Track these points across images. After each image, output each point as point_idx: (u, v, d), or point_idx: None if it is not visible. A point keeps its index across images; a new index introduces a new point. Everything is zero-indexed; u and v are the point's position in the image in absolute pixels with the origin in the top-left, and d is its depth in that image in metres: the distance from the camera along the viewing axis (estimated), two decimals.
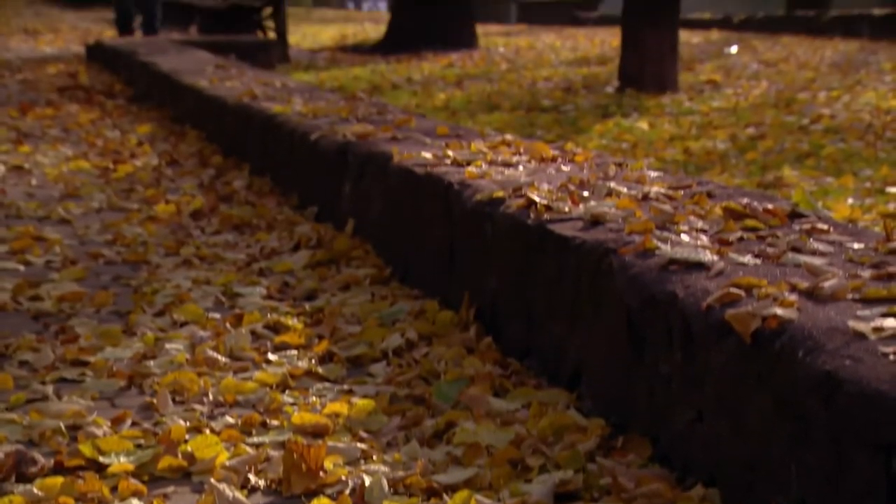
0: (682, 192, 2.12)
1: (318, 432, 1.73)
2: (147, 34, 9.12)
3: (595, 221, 1.90)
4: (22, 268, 2.80)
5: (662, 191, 2.11)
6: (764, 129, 5.29)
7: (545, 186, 2.19)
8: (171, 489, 1.56)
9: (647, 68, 6.81)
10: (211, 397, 1.90)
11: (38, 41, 11.63)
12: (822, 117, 5.57)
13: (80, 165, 4.31)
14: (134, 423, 1.78)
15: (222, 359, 2.07)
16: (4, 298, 2.49)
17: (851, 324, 1.32)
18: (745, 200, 1.97)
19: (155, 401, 1.87)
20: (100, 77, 7.88)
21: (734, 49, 10.83)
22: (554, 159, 2.60)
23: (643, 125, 5.47)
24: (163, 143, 4.95)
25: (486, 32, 13.59)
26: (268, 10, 10.14)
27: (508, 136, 2.97)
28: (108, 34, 11.19)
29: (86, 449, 1.63)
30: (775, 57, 9.73)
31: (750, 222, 1.83)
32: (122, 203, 3.62)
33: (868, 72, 8.12)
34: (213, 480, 1.54)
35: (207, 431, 1.71)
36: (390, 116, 3.53)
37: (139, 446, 1.67)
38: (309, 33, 14.35)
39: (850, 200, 3.45)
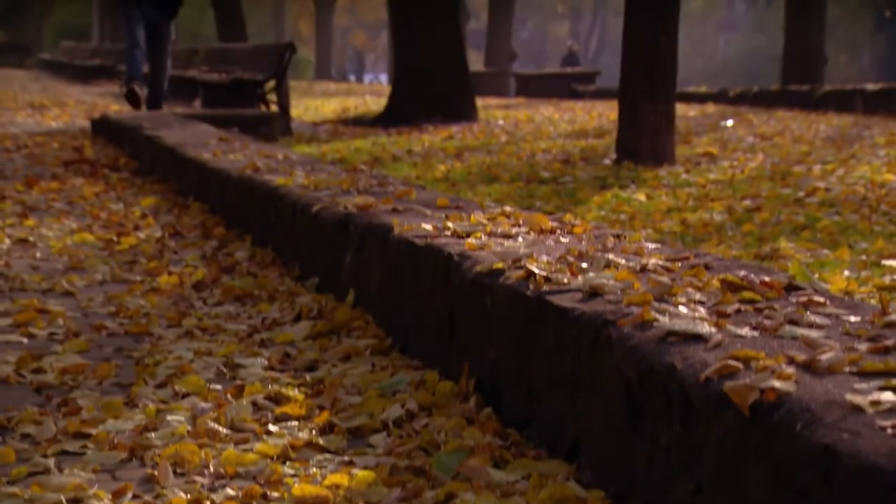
0: (679, 264, 2.14)
1: None
2: (151, 108, 9.26)
3: (594, 293, 1.92)
4: (25, 340, 2.82)
5: (660, 262, 2.14)
6: (760, 202, 5.33)
7: (544, 258, 2.21)
8: None
9: (644, 141, 6.89)
10: (212, 469, 1.90)
11: (44, 116, 11.78)
12: (817, 190, 5.62)
13: (84, 238, 4.34)
14: (135, 496, 1.78)
15: (223, 430, 2.07)
16: (7, 371, 2.50)
17: (849, 397, 1.33)
18: (743, 273, 1.99)
19: (156, 473, 1.87)
20: (105, 151, 7.97)
21: (730, 122, 10.97)
22: (553, 231, 2.63)
23: (641, 197, 5.51)
24: (166, 215, 4.99)
25: (486, 105, 13.77)
26: (270, 84, 10.29)
27: (508, 208, 3.01)
28: (114, 108, 11.33)
29: None
30: (770, 130, 9.84)
31: (747, 294, 1.85)
32: (125, 275, 3.65)
33: (862, 146, 8.21)
34: None
35: (208, 503, 1.71)
36: (391, 188, 3.57)
37: None
38: (311, 106, 14.53)
39: (846, 273, 3.46)
